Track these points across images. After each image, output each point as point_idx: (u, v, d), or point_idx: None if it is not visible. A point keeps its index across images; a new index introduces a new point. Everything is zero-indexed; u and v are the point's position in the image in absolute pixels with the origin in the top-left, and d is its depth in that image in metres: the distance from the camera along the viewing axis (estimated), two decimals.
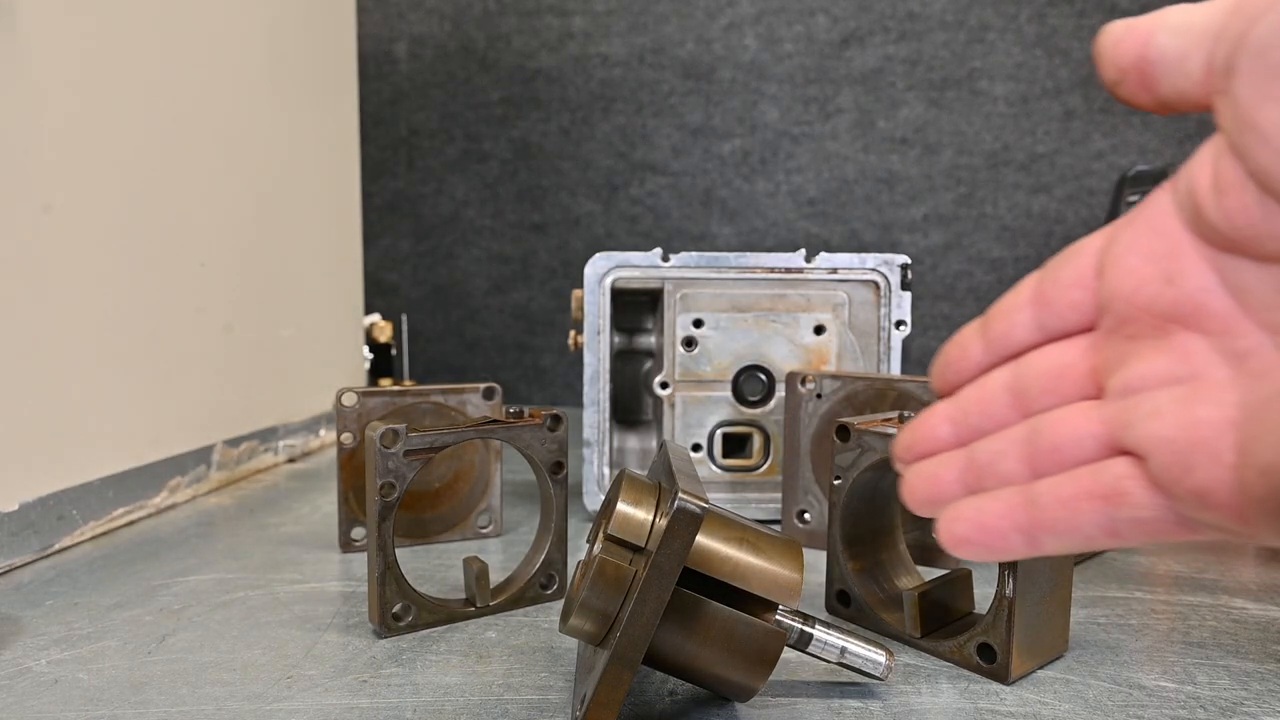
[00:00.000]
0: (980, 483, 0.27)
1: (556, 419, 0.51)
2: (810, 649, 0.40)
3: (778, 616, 0.38)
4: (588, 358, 0.68)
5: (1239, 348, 0.23)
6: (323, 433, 0.99)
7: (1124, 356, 0.25)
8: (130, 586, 0.56)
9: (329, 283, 1.03)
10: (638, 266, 0.68)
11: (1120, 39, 0.24)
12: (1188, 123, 1.21)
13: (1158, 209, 0.25)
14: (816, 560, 0.55)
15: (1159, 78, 0.24)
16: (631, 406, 0.77)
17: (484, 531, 0.67)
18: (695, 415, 0.70)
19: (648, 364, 0.76)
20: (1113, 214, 0.80)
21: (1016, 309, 0.28)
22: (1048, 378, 0.27)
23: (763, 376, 0.70)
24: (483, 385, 0.64)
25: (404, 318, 1.26)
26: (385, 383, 1.14)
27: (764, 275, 0.68)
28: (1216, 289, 0.23)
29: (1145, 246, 0.24)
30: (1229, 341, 0.23)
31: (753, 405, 0.70)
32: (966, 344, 0.30)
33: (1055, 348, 0.27)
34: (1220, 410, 0.22)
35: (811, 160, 1.29)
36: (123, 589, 0.55)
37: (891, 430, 0.47)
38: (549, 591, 0.53)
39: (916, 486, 0.29)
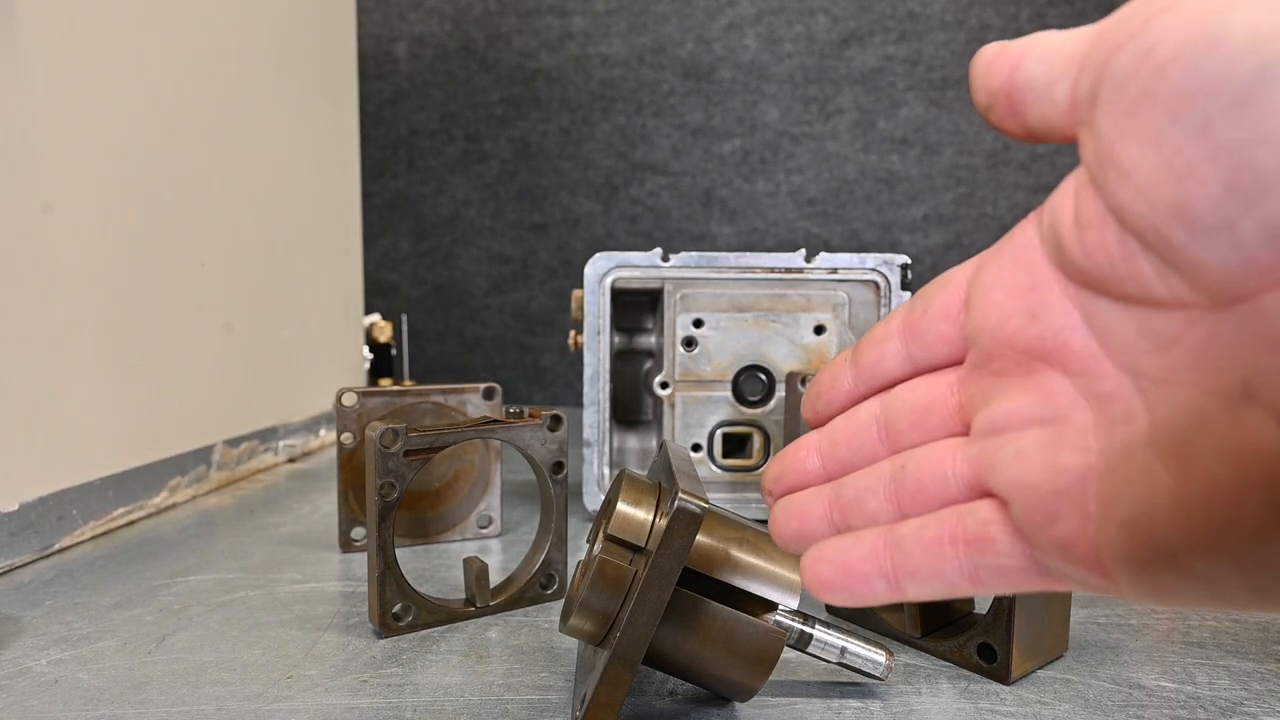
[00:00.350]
0: (846, 520, 0.26)
1: (556, 419, 0.51)
2: (810, 649, 0.40)
3: (777, 616, 0.38)
4: (588, 358, 0.68)
5: (1101, 390, 0.21)
6: (323, 433, 0.99)
7: (990, 393, 0.24)
8: (130, 586, 0.56)
9: (329, 283, 1.03)
10: (638, 266, 0.68)
11: (990, 63, 0.23)
12: None
13: (1023, 241, 0.23)
14: None
15: (1026, 105, 0.22)
16: (631, 406, 0.77)
17: (484, 531, 0.67)
18: (695, 415, 0.70)
19: (648, 364, 0.76)
20: None
21: (887, 338, 0.27)
22: (915, 412, 0.26)
23: (763, 376, 0.70)
24: (483, 385, 0.64)
25: (404, 318, 1.26)
26: (385, 383, 1.14)
27: (764, 275, 0.68)
28: (1079, 327, 0.21)
29: (1010, 279, 0.23)
30: (1091, 383, 0.21)
31: (753, 405, 0.70)
32: (838, 373, 0.28)
33: (924, 381, 0.26)
34: (1083, 457, 0.21)
35: (811, 160, 1.29)
36: (123, 589, 0.55)
37: None
38: (549, 591, 0.53)
39: (783, 522, 0.27)
